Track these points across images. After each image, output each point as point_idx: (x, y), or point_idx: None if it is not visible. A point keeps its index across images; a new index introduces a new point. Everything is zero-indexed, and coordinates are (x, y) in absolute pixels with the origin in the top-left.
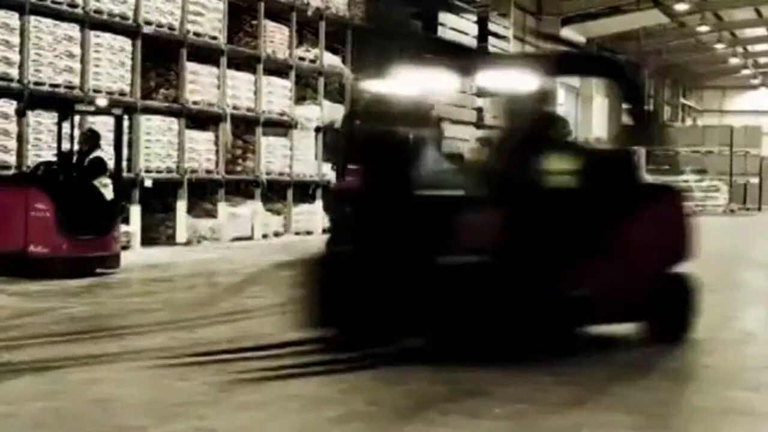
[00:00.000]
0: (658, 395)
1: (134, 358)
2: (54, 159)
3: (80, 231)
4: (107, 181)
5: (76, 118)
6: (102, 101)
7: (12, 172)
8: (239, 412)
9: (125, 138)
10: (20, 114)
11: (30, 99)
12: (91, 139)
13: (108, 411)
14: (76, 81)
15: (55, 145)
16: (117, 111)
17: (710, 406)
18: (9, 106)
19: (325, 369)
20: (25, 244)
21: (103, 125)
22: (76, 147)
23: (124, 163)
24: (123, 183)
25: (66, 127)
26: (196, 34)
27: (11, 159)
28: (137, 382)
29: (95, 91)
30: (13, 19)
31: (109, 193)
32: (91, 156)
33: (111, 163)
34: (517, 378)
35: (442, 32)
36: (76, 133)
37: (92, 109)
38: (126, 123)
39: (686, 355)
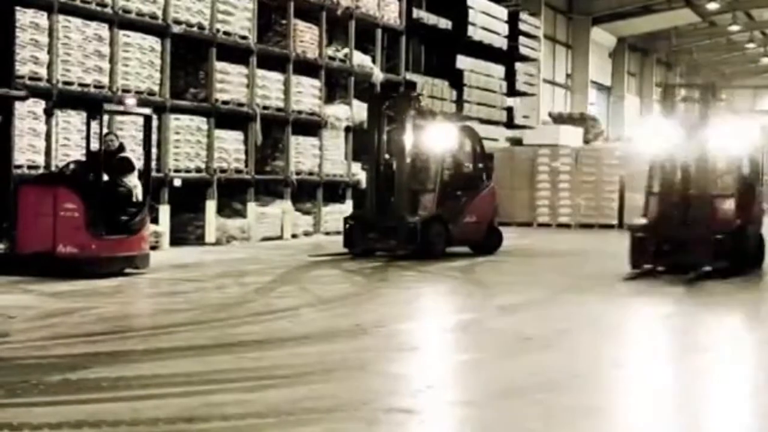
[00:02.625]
0: None
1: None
2: (82, 158)
3: (109, 231)
4: (137, 181)
5: (106, 117)
6: (131, 101)
7: (40, 171)
8: None
9: (154, 138)
10: (48, 113)
11: (58, 98)
12: (119, 139)
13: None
14: (105, 81)
15: (83, 144)
16: (146, 111)
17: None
18: (38, 106)
19: None
20: (54, 244)
21: (132, 125)
22: (104, 147)
23: (153, 163)
24: (151, 183)
25: (95, 126)
26: (226, 33)
27: (40, 159)
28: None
29: (124, 90)
30: (42, 18)
31: (138, 193)
32: (119, 156)
33: (139, 163)
34: None
35: (472, 32)
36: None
37: (121, 108)
38: (155, 123)
39: None
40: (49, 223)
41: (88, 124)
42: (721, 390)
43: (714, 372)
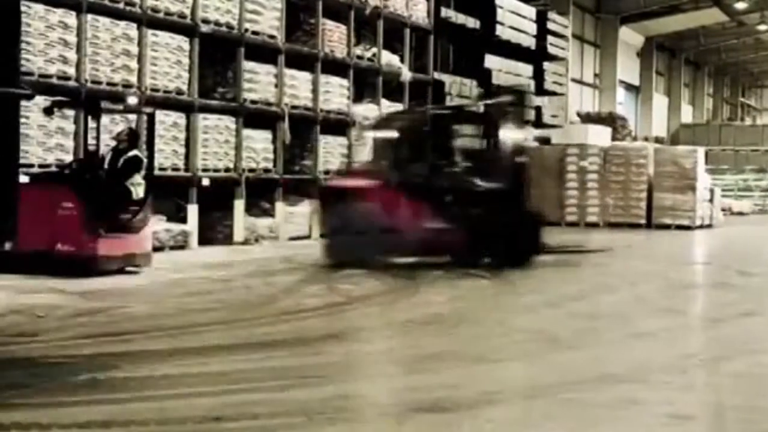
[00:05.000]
0: None
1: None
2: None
3: (108, 229)
4: (140, 179)
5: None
6: (132, 99)
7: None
8: None
9: (182, 136)
10: (48, 112)
11: (60, 97)
12: (130, 138)
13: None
14: (134, 80)
15: (104, 143)
16: (148, 109)
17: None
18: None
19: None
20: (52, 242)
21: (159, 124)
22: (112, 145)
23: (182, 163)
24: (152, 181)
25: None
26: (254, 32)
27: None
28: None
29: (152, 89)
30: (70, 18)
31: (140, 192)
32: (129, 155)
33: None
34: None
35: (500, 31)
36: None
37: (121, 107)
38: (183, 122)
39: None
40: (48, 221)
41: (85, 123)
42: None
43: None
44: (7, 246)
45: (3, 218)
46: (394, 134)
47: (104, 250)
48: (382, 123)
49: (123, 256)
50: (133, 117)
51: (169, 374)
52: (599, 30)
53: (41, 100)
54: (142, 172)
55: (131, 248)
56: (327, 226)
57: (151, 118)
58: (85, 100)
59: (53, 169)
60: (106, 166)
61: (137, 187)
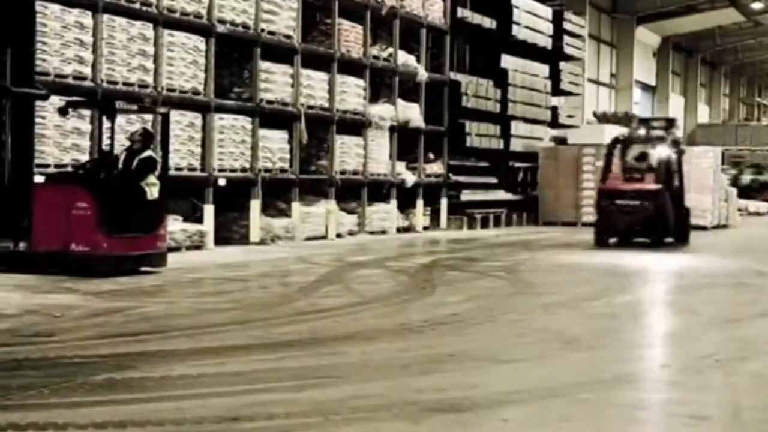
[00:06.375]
0: None
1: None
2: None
3: (122, 229)
4: (154, 179)
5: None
6: (146, 99)
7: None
8: None
9: (199, 137)
10: (62, 113)
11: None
12: (144, 138)
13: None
14: (150, 80)
15: (118, 143)
16: (162, 109)
17: None
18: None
19: None
20: (66, 242)
21: (176, 124)
22: (125, 145)
23: (198, 163)
24: (167, 182)
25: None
26: (270, 32)
27: (84, 157)
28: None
29: (169, 89)
30: (87, 18)
31: (154, 192)
32: (143, 155)
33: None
34: None
35: (517, 31)
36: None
37: (134, 107)
38: (200, 122)
39: None
40: (63, 221)
41: (100, 123)
42: None
43: None
44: (21, 246)
45: (18, 218)
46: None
47: (118, 250)
48: (629, 140)
49: (137, 256)
50: (148, 117)
51: (186, 374)
52: (615, 30)
53: (56, 100)
54: (157, 173)
55: (146, 248)
56: (606, 217)
57: (166, 118)
58: (100, 100)
59: (68, 169)
60: (120, 166)
61: (151, 188)
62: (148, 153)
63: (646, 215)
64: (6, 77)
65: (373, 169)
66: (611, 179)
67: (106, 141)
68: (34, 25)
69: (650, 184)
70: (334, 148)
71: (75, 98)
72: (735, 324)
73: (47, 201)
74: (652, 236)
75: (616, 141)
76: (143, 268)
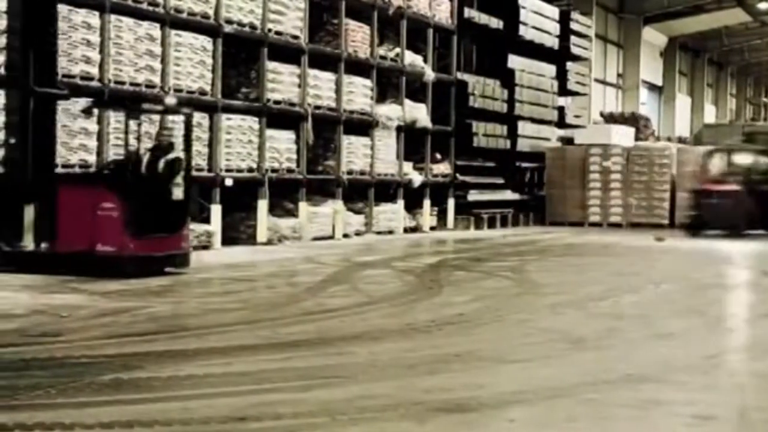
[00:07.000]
0: None
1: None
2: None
3: (148, 230)
4: (180, 180)
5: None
6: (171, 100)
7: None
8: None
9: (206, 137)
10: (87, 113)
11: (97, 98)
12: (168, 139)
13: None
14: (157, 80)
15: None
16: (186, 110)
17: None
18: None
19: None
20: (92, 243)
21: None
22: (149, 145)
23: (205, 163)
24: (192, 182)
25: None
26: (277, 33)
27: (91, 157)
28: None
29: (176, 90)
30: (94, 18)
31: (179, 193)
32: (170, 156)
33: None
34: None
35: (524, 31)
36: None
37: (161, 108)
38: (207, 122)
39: None
40: (88, 222)
41: (126, 124)
42: None
43: None
44: (43, 246)
45: (40, 218)
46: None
47: (145, 250)
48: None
49: (163, 257)
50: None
51: (193, 374)
52: (622, 30)
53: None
54: (182, 173)
55: (170, 249)
56: (698, 212)
57: (188, 119)
58: (127, 100)
59: (92, 169)
60: (144, 167)
61: (177, 188)
62: (174, 154)
63: (731, 210)
64: (29, 77)
65: (380, 169)
66: (704, 181)
67: (112, 140)
68: (56, 26)
69: (733, 186)
70: (341, 148)
71: (100, 98)
72: None
73: (72, 201)
74: (735, 228)
75: (711, 151)
76: (167, 269)
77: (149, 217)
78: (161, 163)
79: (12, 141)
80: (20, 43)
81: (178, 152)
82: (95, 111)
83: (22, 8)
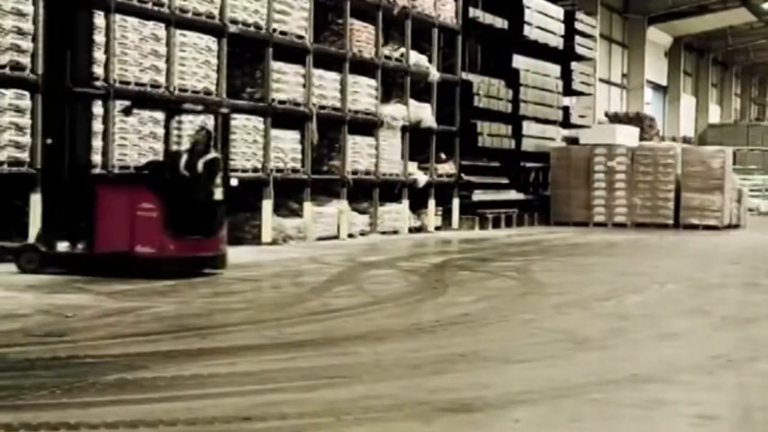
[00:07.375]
0: None
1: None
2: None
3: (187, 231)
4: (218, 181)
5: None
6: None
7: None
8: None
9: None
10: (127, 113)
11: (136, 98)
12: (206, 138)
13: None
14: (162, 80)
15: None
16: (224, 110)
17: None
18: (96, 106)
19: None
20: (131, 244)
21: (188, 123)
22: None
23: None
24: (229, 183)
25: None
26: (282, 33)
27: (98, 158)
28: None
29: (181, 90)
30: (98, 18)
31: (218, 193)
32: (208, 157)
33: None
34: None
35: (528, 31)
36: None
37: (199, 108)
38: (212, 122)
39: None
40: (127, 223)
41: (167, 125)
42: None
43: None
44: (79, 247)
45: (79, 218)
46: None
47: (185, 252)
48: None
49: (201, 258)
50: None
51: (198, 374)
52: (627, 30)
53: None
54: (220, 174)
55: (209, 250)
56: None
57: (226, 119)
58: (167, 101)
59: (131, 170)
60: (182, 167)
61: (216, 189)
62: (213, 154)
63: None
64: (66, 78)
65: (384, 169)
66: None
67: (119, 140)
68: (92, 28)
69: None
70: (346, 148)
71: (139, 99)
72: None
73: (111, 202)
74: None
75: None
76: (205, 270)
77: (189, 218)
78: (200, 164)
79: (49, 141)
80: (57, 45)
81: (216, 153)
82: (134, 111)
83: (56, 11)
